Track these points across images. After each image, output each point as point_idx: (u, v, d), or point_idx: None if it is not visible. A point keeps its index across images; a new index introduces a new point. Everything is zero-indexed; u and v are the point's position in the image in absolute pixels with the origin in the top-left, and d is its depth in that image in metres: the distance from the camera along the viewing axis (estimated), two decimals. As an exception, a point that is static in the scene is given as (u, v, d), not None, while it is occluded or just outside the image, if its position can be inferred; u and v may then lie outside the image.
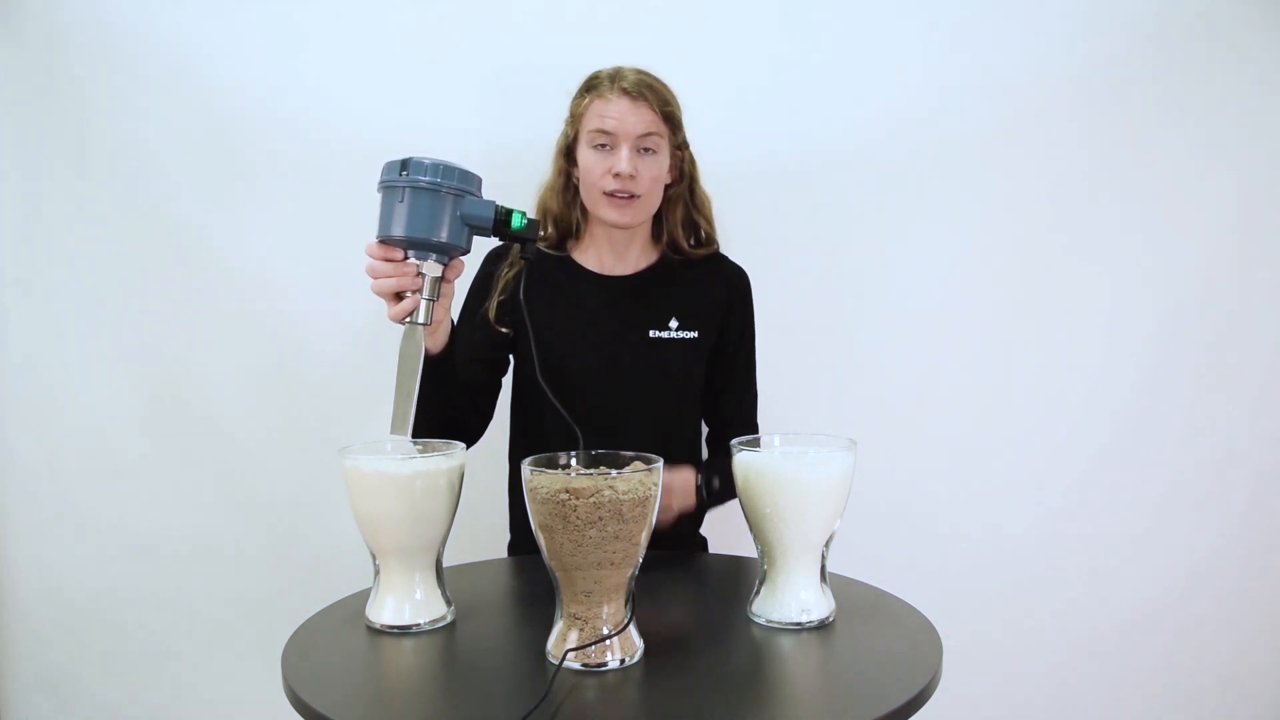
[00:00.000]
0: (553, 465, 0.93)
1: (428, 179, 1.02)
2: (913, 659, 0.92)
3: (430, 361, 1.17)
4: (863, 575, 1.17)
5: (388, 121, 1.71)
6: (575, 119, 1.37)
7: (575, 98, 1.38)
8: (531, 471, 0.89)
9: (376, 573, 1.03)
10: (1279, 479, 1.89)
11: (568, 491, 0.85)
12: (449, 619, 1.03)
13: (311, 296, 1.77)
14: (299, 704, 0.84)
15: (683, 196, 1.42)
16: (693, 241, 1.45)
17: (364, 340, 1.76)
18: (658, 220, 1.44)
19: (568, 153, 1.40)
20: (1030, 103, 1.77)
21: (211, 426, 1.78)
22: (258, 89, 1.72)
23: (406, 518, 1.00)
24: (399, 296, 1.07)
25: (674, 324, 1.40)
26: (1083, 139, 1.78)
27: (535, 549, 0.92)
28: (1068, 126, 1.78)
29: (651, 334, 1.39)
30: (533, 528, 0.90)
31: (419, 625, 1.01)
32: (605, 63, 1.37)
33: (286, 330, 1.77)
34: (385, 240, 1.05)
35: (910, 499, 1.82)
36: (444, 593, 1.04)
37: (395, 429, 1.04)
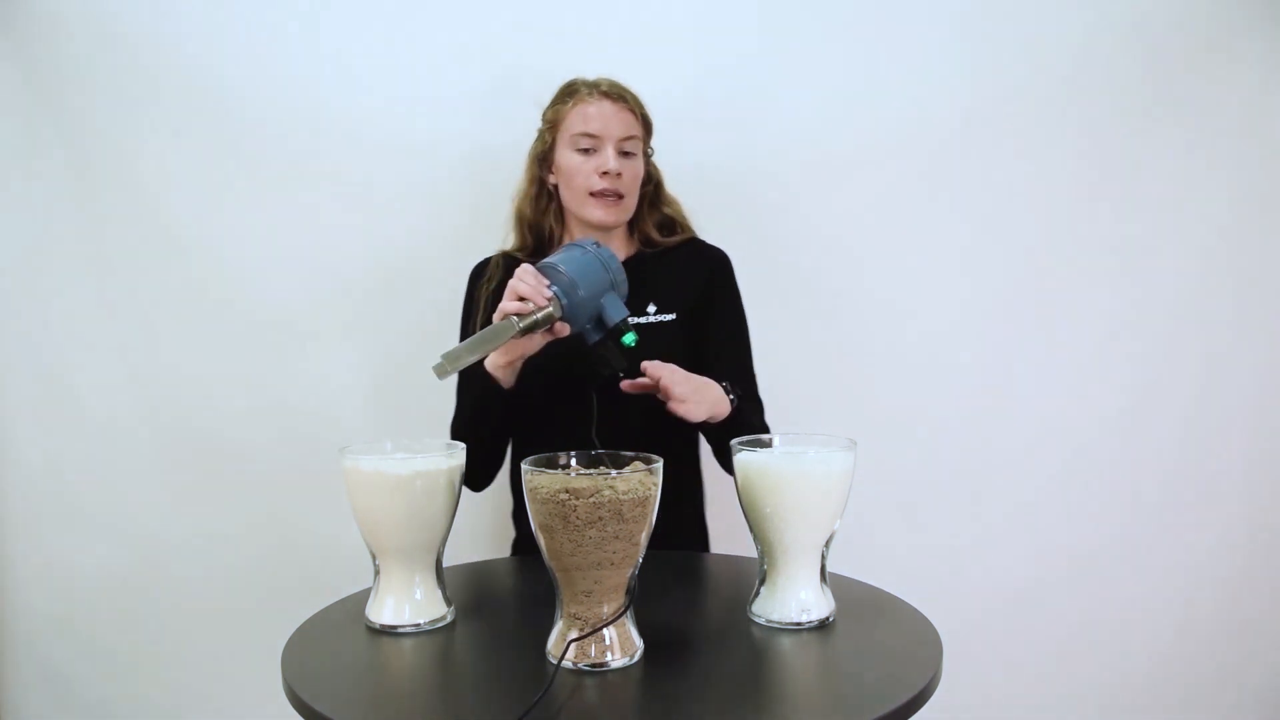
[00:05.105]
0: (552, 465, 0.93)
1: (607, 259, 1.22)
2: (913, 659, 0.92)
3: (492, 388, 1.27)
4: (863, 575, 1.17)
5: (386, 127, 1.72)
6: (553, 125, 1.40)
7: (553, 105, 1.42)
8: (531, 472, 0.89)
9: (376, 573, 1.03)
10: (1278, 479, 1.89)
11: (567, 491, 0.85)
12: (449, 619, 1.03)
13: (314, 297, 1.76)
14: (299, 704, 0.84)
15: (648, 196, 1.47)
16: (665, 232, 1.48)
17: (367, 341, 1.76)
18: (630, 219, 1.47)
19: (542, 160, 1.42)
20: (1029, 104, 1.76)
21: (212, 427, 1.78)
22: (262, 90, 1.72)
23: (406, 517, 1.00)
24: (522, 300, 1.16)
25: (652, 309, 1.41)
26: (1082, 139, 1.78)
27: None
28: (1068, 127, 1.77)
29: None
30: (533, 528, 0.90)
31: (419, 625, 1.01)
32: (594, 68, 1.41)
33: (288, 330, 1.77)
34: (547, 269, 1.20)
35: (910, 499, 1.82)
36: (444, 593, 1.04)
37: (443, 365, 1.10)
